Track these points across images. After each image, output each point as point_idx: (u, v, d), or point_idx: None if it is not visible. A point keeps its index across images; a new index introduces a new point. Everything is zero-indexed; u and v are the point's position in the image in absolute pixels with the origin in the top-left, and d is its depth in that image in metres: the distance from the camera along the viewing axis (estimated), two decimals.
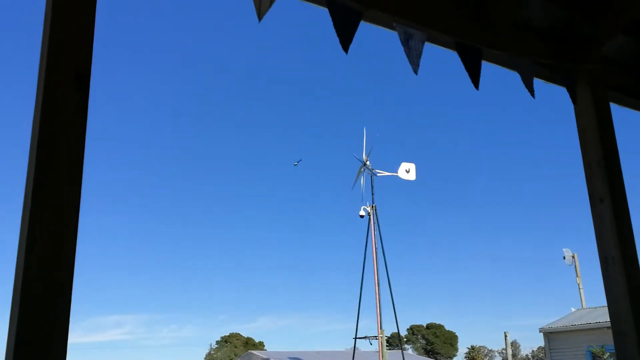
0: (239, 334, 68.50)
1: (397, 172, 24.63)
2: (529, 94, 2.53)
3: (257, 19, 1.91)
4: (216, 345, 67.85)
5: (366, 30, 2.25)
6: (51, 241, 1.27)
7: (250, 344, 64.11)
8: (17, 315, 1.18)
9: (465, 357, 68.47)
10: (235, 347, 64.25)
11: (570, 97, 2.71)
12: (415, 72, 2.21)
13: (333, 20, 2.02)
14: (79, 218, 1.33)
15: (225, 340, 67.47)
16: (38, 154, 1.31)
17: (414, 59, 2.21)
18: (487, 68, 2.52)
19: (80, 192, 1.34)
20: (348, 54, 2.03)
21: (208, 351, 67.66)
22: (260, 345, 63.47)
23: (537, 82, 2.63)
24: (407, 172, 24.53)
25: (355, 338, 24.32)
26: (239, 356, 43.79)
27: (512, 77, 2.56)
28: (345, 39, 2.04)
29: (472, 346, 70.44)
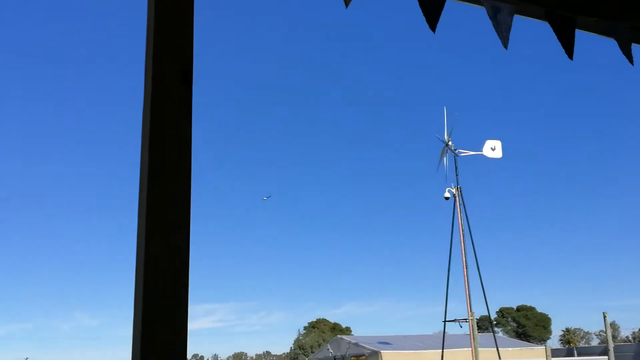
0: (325, 319, 69.45)
1: (482, 151, 24.03)
2: (627, 60, 2.41)
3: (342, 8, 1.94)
4: (304, 331, 69.12)
5: (449, 6, 2.22)
6: (167, 232, 1.35)
7: (337, 329, 64.86)
8: (142, 296, 1.28)
9: (560, 340, 66.12)
10: (323, 332, 65.18)
11: None
12: (505, 46, 2.16)
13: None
14: (190, 205, 1.40)
15: (312, 326, 68.60)
16: (151, 148, 1.40)
17: (504, 33, 2.15)
18: (580, 36, 2.42)
19: (190, 180, 1.42)
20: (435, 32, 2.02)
21: (297, 336, 69.08)
22: (347, 331, 64.07)
23: (636, 48, 2.50)
24: (493, 149, 23.87)
25: (445, 321, 24.10)
26: (328, 341, 44.40)
27: (608, 44, 2.44)
28: (432, 17, 2.03)
29: (567, 328, 67.94)
